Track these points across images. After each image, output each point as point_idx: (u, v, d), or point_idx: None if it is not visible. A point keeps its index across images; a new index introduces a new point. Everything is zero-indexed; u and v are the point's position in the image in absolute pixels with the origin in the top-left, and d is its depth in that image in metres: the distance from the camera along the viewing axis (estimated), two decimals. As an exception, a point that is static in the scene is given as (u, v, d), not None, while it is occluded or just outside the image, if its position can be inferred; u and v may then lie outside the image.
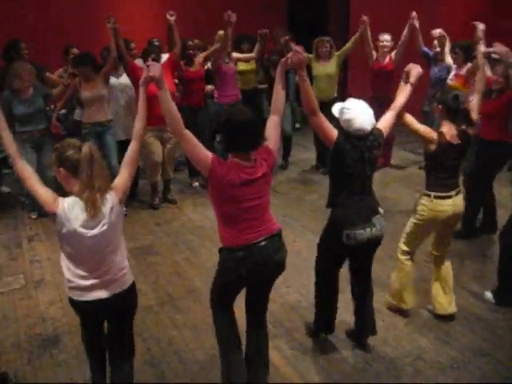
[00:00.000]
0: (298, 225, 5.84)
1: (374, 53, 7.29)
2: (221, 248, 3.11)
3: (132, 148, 2.94)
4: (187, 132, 2.93)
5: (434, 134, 3.71)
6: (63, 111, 6.75)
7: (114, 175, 6.51)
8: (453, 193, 3.81)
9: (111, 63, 6.06)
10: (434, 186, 3.81)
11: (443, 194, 3.79)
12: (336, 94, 7.33)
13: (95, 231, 2.70)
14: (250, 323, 3.31)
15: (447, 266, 4.11)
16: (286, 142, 7.73)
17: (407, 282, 4.07)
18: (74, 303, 2.86)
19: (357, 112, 3.31)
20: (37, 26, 8.36)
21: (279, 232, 3.12)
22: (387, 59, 7.24)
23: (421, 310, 4.18)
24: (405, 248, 4.05)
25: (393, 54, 7.22)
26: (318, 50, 7.20)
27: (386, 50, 7.19)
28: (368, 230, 3.35)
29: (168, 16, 6.24)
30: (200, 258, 5.20)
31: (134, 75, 6.02)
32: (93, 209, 2.66)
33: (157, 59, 5.92)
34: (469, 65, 5.99)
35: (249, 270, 2.99)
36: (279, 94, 3.26)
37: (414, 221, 3.93)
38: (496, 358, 3.64)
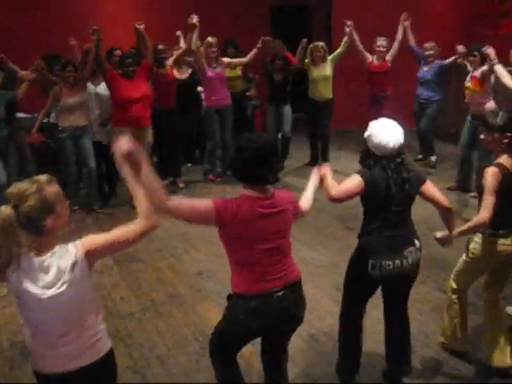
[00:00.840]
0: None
1: (369, 55, 7.62)
2: (230, 295, 2.76)
3: (135, 227, 2.34)
4: (172, 199, 2.50)
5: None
6: (46, 119, 6.78)
7: (92, 178, 6.29)
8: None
9: (88, 72, 6.22)
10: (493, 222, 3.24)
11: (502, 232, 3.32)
12: (332, 95, 7.68)
13: (52, 291, 2.19)
14: (266, 369, 3.04)
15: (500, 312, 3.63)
16: (285, 142, 7.92)
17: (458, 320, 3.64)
18: (37, 376, 2.40)
19: (378, 126, 3.06)
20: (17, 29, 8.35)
21: (299, 280, 2.78)
22: (381, 61, 7.65)
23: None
24: (454, 286, 3.62)
25: (387, 55, 7.59)
26: (313, 54, 7.50)
27: (382, 54, 7.57)
28: (397, 261, 3.05)
29: (137, 25, 6.34)
30: (183, 264, 5.22)
31: (112, 81, 6.18)
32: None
33: (132, 65, 6.21)
34: (484, 67, 6.14)
35: (261, 323, 2.65)
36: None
37: (465, 258, 3.51)
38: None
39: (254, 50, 7.27)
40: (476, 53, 6.35)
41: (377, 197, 3.02)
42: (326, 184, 3.15)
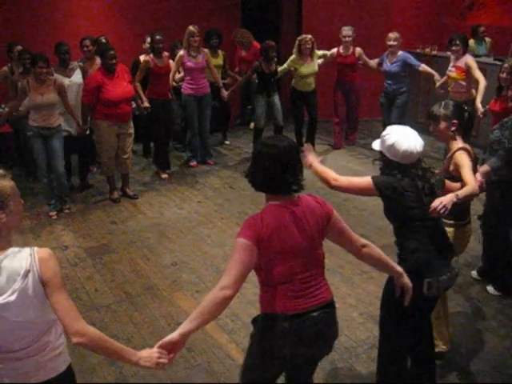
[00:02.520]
0: (255, 220, 5.90)
1: (335, 49, 7.71)
2: (256, 317, 2.53)
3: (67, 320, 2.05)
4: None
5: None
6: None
7: (61, 183, 6.09)
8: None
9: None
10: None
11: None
12: (315, 86, 7.80)
13: (1, 299, 1.99)
14: None
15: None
16: (278, 132, 7.97)
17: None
18: None
19: (399, 133, 2.90)
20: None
21: (333, 301, 2.55)
22: (350, 52, 7.69)
23: (375, 301, 4.31)
24: None
25: (358, 49, 7.67)
26: (301, 47, 7.44)
27: (347, 43, 7.62)
28: (449, 274, 2.92)
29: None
30: (157, 255, 5.21)
31: (98, 87, 6.07)
32: None
33: (115, 58, 6.07)
34: (468, 58, 6.45)
35: (293, 347, 2.39)
36: None
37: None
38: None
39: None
40: (458, 42, 6.50)
41: (407, 207, 2.87)
42: (321, 171, 3.04)
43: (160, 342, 2.21)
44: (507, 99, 4.80)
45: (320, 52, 7.71)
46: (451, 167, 3.33)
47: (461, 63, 6.53)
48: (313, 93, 7.77)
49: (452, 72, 6.65)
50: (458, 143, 3.35)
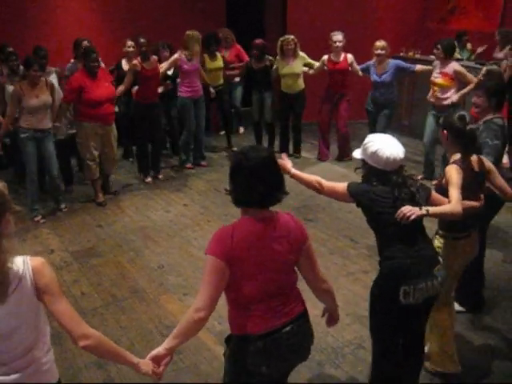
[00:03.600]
0: (241, 223, 5.92)
1: (326, 56, 7.51)
2: (229, 338, 2.50)
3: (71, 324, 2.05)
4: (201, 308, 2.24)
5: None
6: None
7: (54, 187, 6.11)
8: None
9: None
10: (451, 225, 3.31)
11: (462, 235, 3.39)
12: (303, 86, 7.71)
13: None
14: None
15: None
16: (269, 129, 8.15)
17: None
18: None
19: (381, 141, 2.88)
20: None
21: (306, 310, 2.51)
22: (341, 58, 7.46)
23: (361, 302, 4.36)
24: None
25: (349, 55, 7.43)
26: (284, 48, 7.46)
27: (338, 49, 7.41)
28: (429, 283, 2.83)
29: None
30: (144, 258, 5.21)
31: (81, 88, 6.10)
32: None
33: (98, 61, 6.17)
34: (455, 65, 6.46)
35: (270, 364, 2.35)
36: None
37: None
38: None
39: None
40: (439, 46, 6.50)
41: (379, 213, 2.83)
42: (305, 178, 3.05)
43: (148, 356, 2.27)
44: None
45: (308, 59, 7.62)
46: (444, 180, 3.23)
47: (448, 70, 6.48)
48: (297, 95, 7.71)
49: (438, 79, 6.58)
50: (456, 156, 3.26)
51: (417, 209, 2.77)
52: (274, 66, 7.68)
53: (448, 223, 3.29)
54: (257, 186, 2.27)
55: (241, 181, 2.31)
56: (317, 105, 7.89)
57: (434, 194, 3.05)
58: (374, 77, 7.20)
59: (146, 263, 5.11)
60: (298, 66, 7.58)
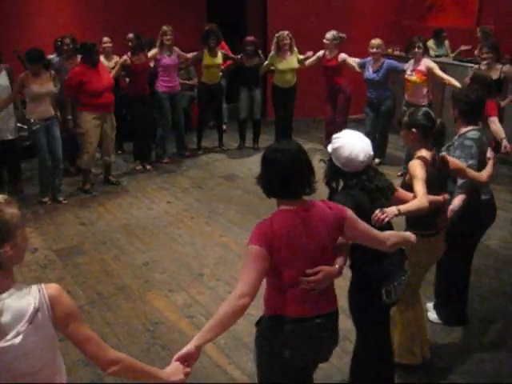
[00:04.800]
0: (224, 220, 5.97)
1: (321, 51, 7.62)
2: (260, 319, 2.56)
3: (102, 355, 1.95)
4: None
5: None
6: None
7: (59, 169, 6.38)
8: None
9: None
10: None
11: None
12: (296, 80, 7.87)
13: (3, 343, 1.78)
14: None
15: None
16: (255, 125, 8.25)
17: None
18: None
19: (348, 138, 2.78)
20: None
21: (337, 311, 2.58)
22: (333, 55, 7.52)
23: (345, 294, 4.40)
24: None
25: (341, 55, 7.46)
26: (280, 43, 7.58)
27: (326, 46, 7.52)
28: (403, 277, 2.90)
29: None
30: (128, 255, 5.22)
31: (82, 77, 6.35)
32: None
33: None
34: (427, 61, 6.48)
35: (293, 349, 2.42)
36: None
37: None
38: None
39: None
40: (420, 45, 6.51)
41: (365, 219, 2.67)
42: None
43: (177, 356, 2.18)
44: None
45: (301, 56, 7.73)
46: (407, 176, 3.23)
47: (421, 67, 6.53)
48: (291, 90, 7.86)
49: (412, 76, 6.61)
50: (421, 152, 3.25)
51: (389, 209, 2.76)
52: (266, 62, 7.73)
53: (415, 220, 3.25)
54: (291, 178, 2.35)
55: (276, 175, 2.36)
56: (307, 102, 8.00)
57: (400, 191, 3.06)
58: (366, 74, 7.18)
59: (131, 260, 5.13)
60: (294, 61, 7.72)
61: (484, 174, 3.59)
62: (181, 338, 3.92)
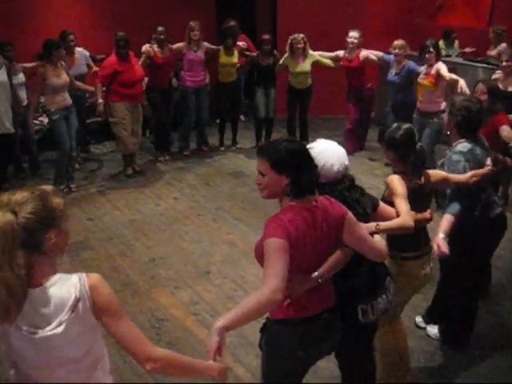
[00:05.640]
0: (231, 217, 5.96)
1: (341, 51, 7.38)
2: (266, 324, 2.52)
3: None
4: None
5: None
6: None
7: (74, 156, 6.59)
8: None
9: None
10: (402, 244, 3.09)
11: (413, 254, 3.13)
12: (311, 81, 7.75)
13: (46, 331, 1.79)
14: None
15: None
16: (269, 124, 8.18)
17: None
18: None
19: (321, 148, 2.68)
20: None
21: (338, 308, 2.55)
22: (354, 56, 7.30)
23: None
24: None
25: (362, 52, 7.21)
26: (293, 47, 7.45)
27: (351, 46, 7.24)
28: (384, 296, 2.73)
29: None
30: (135, 251, 5.22)
31: (114, 68, 6.68)
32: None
33: (125, 47, 6.68)
34: (438, 64, 6.08)
35: (306, 348, 2.42)
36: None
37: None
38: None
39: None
40: (432, 49, 6.13)
41: None
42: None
43: (212, 347, 1.96)
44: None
45: (317, 57, 7.51)
46: (386, 192, 3.04)
47: (433, 71, 6.15)
48: (307, 90, 7.78)
49: (423, 79, 6.27)
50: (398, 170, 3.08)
51: (368, 225, 2.63)
52: (280, 61, 7.63)
53: (396, 240, 3.01)
54: (300, 176, 2.28)
55: (286, 173, 2.28)
56: (322, 100, 7.94)
57: (382, 205, 2.86)
58: (388, 75, 6.91)
59: (137, 256, 5.13)
60: (307, 65, 7.57)
61: (466, 175, 3.29)
62: (186, 336, 3.91)
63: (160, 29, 7.13)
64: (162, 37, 7.14)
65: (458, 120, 3.44)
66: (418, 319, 4.04)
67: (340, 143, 2.80)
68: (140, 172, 7.29)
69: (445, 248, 3.13)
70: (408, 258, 3.09)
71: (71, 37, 6.95)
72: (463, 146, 3.41)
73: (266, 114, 8.02)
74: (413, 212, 2.87)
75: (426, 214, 3.05)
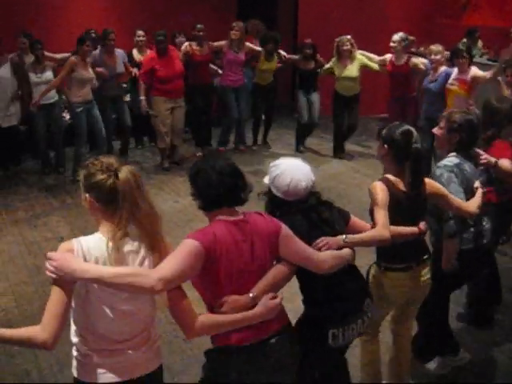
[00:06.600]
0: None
1: (389, 55, 7.01)
2: (209, 351, 2.32)
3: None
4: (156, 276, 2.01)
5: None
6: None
7: (101, 145, 6.78)
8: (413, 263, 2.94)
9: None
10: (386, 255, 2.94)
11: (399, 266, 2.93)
12: (359, 89, 7.49)
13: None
14: None
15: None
16: (310, 130, 8.14)
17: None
18: None
19: (286, 165, 2.59)
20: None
21: (290, 324, 2.40)
22: (403, 61, 6.86)
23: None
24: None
25: (412, 59, 6.83)
26: (339, 48, 7.25)
27: (394, 49, 6.87)
28: (360, 321, 2.56)
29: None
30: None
31: (153, 64, 6.86)
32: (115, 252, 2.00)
33: (164, 43, 6.89)
34: (473, 70, 5.78)
35: (252, 379, 2.22)
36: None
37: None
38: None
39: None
40: (465, 54, 5.86)
41: None
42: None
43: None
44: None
45: (365, 60, 7.23)
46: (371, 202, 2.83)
47: (466, 76, 5.82)
48: (354, 98, 7.47)
49: (454, 85, 5.94)
50: (387, 172, 2.91)
51: (334, 239, 2.51)
52: (327, 66, 7.45)
53: (381, 250, 2.90)
54: (229, 184, 2.26)
55: (212, 182, 2.26)
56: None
57: (354, 219, 2.72)
58: (425, 82, 6.50)
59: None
60: (353, 70, 7.29)
61: (472, 204, 3.04)
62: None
63: (199, 26, 7.22)
64: (201, 34, 7.23)
65: (462, 137, 3.18)
66: None
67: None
68: (178, 163, 7.47)
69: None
70: (391, 269, 2.93)
71: (112, 35, 7.00)
72: (449, 160, 3.19)
73: (308, 119, 7.89)
74: (394, 227, 2.69)
75: (414, 229, 2.81)
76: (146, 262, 2.07)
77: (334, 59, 7.39)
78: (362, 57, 7.30)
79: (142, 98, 6.97)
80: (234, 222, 2.23)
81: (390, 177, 2.85)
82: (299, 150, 8.20)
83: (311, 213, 2.55)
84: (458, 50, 5.94)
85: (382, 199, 2.70)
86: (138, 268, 2.05)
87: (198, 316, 2.11)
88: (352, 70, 7.29)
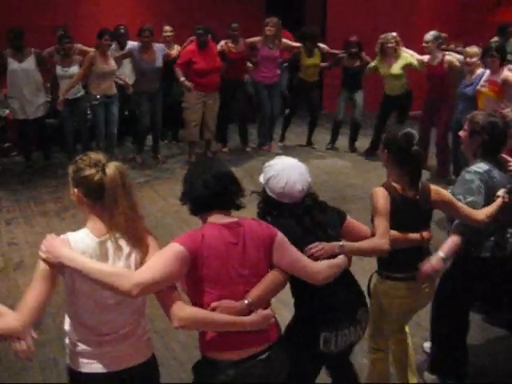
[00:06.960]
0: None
1: (426, 56, 6.76)
2: (198, 362, 2.25)
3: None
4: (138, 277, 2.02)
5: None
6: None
7: (112, 143, 6.77)
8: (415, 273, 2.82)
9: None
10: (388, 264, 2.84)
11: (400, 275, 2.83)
12: (405, 89, 7.30)
13: None
14: None
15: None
16: (354, 130, 7.97)
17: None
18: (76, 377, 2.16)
19: (281, 166, 2.52)
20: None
21: (281, 337, 2.32)
22: (437, 61, 6.58)
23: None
24: (373, 345, 3.10)
25: (447, 58, 6.51)
26: (383, 46, 7.08)
27: (428, 49, 6.61)
28: (352, 328, 2.50)
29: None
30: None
31: (191, 56, 6.90)
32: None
33: (203, 36, 6.90)
34: (505, 72, 5.42)
35: None
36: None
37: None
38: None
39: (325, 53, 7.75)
40: (495, 53, 5.46)
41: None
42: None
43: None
44: None
45: (410, 59, 6.96)
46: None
47: (496, 77, 5.48)
48: (402, 97, 7.29)
49: (484, 87, 5.62)
50: (390, 177, 2.83)
51: (329, 245, 2.44)
52: (372, 64, 7.32)
53: (383, 259, 2.79)
54: (223, 187, 2.26)
55: (206, 184, 2.26)
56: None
57: (350, 221, 2.63)
58: (460, 85, 6.17)
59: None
60: (396, 68, 7.09)
61: (483, 212, 2.87)
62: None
63: (234, 25, 7.24)
64: (236, 33, 7.24)
65: (484, 139, 3.02)
66: (427, 344, 3.61)
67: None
68: (214, 155, 7.41)
69: (434, 267, 2.77)
70: (392, 278, 2.84)
71: (146, 33, 6.97)
72: (479, 166, 3.02)
73: (343, 117, 7.80)
74: (394, 232, 2.63)
75: (416, 236, 2.75)
76: (132, 258, 2.10)
77: (378, 57, 7.22)
78: (407, 55, 7.04)
79: (183, 78, 6.91)
80: (226, 225, 2.20)
81: (393, 182, 2.78)
82: (327, 147, 8.16)
83: (304, 217, 2.48)
84: (487, 48, 5.58)
85: (383, 206, 2.64)
86: (123, 269, 2.07)
87: (189, 307, 2.11)
88: (395, 68, 7.09)
